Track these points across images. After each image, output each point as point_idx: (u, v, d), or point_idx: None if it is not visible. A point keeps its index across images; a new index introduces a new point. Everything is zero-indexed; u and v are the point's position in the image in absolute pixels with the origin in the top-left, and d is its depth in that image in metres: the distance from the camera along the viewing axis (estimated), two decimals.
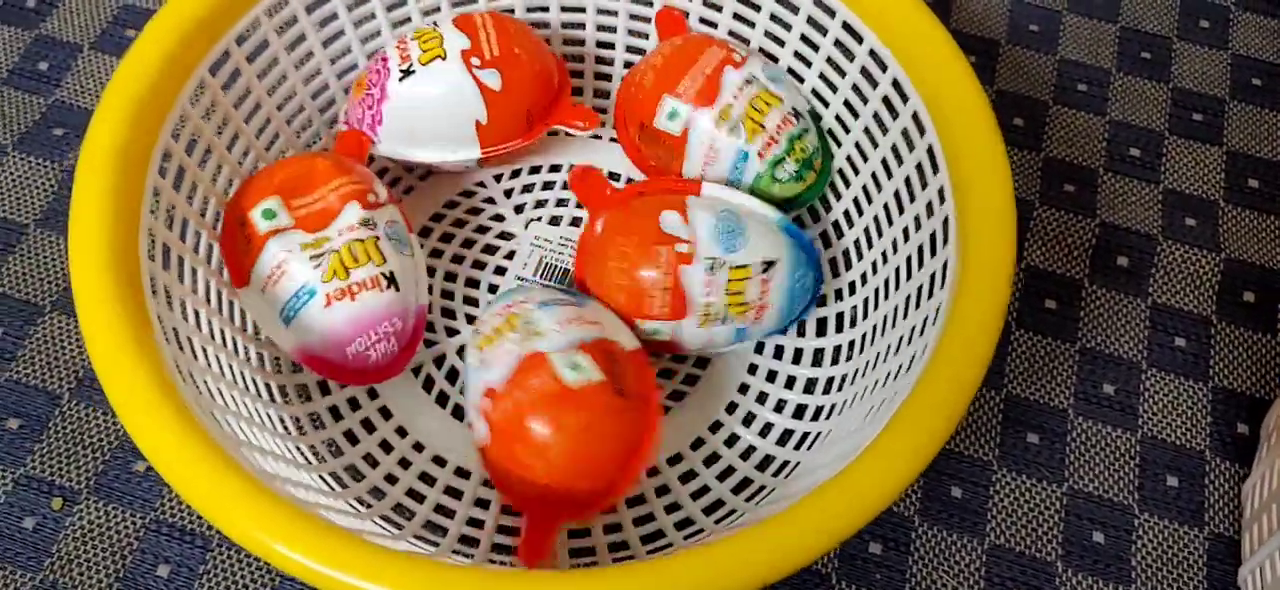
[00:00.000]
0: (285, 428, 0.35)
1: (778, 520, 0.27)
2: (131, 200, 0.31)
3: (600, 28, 0.43)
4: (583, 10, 0.42)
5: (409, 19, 0.41)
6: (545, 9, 0.42)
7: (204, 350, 0.33)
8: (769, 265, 0.34)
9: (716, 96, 0.37)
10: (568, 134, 0.42)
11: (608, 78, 0.44)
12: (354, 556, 0.26)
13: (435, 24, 0.39)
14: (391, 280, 0.34)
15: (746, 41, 0.41)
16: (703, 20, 0.41)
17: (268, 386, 0.35)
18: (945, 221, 0.33)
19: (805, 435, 0.36)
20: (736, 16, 0.40)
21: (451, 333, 0.39)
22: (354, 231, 0.34)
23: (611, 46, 0.43)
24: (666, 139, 0.38)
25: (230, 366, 0.34)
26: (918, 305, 0.33)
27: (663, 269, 0.34)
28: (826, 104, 0.39)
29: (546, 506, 0.32)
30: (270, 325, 0.34)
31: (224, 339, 0.34)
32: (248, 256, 0.34)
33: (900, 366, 0.32)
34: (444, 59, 0.37)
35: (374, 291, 0.33)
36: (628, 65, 0.43)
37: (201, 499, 0.26)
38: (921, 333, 0.32)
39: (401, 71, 0.38)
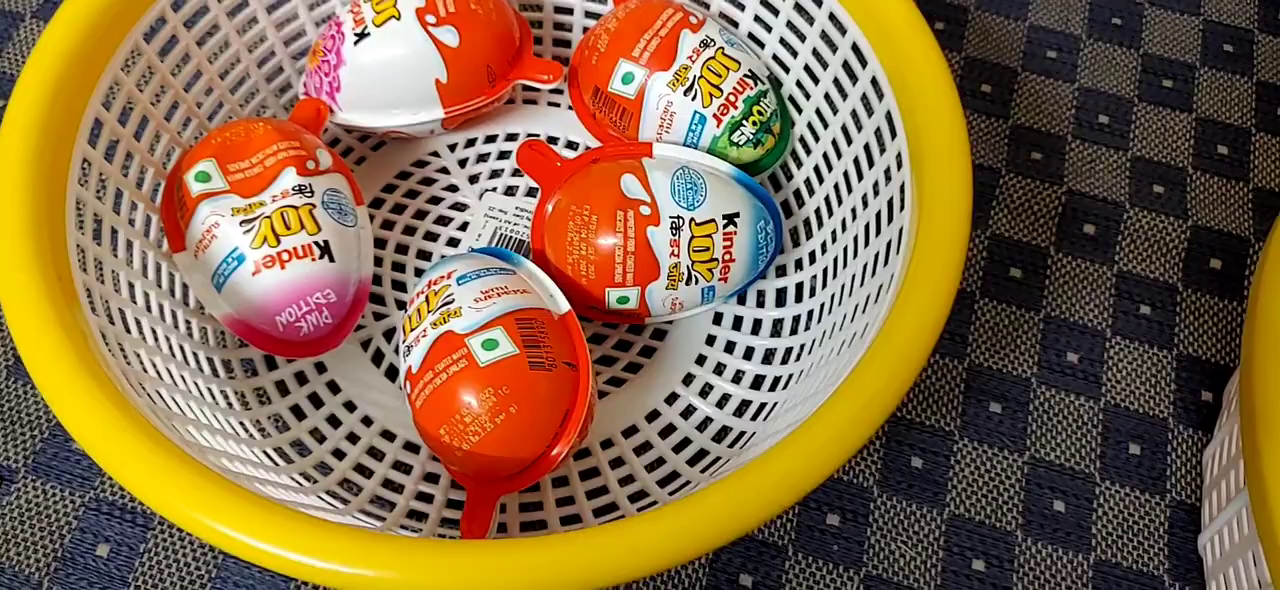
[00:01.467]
0: (228, 402, 0.34)
1: (724, 484, 0.27)
2: (57, 170, 0.30)
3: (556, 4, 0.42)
4: (572, 11, 0.41)
5: None
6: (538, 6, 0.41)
7: (138, 322, 0.32)
8: (730, 218, 0.34)
9: (673, 59, 0.36)
10: (531, 89, 0.41)
11: (567, 43, 0.43)
12: (287, 529, 0.25)
13: None
14: (325, 250, 0.33)
15: (706, 5, 0.40)
16: None
17: (210, 361, 0.35)
18: (902, 187, 0.32)
19: (762, 406, 0.35)
20: None
21: (402, 305, 0.38)
22: (288, 198, 0.33)
23: (570, 11, 0.42)
24: (622, 102, 0.37)
25: (168, 339, 0.33)
26: (873, 273, 0.32)
27: (626, 233, 0.33)
28: (787, 70, 0.39)
29: (481, 482, 0.31)
30: (203, 291, 0.33)
31: (163, 312, 0.33)
32: (182, 220, 0.33)
33: (855, 334, 0.31)
34: (398, 18, 0.36)
35: (305, 261, 0.32)
36: (585, 29, 0.42)
37: (128, 474, 0.26)
38: (876, 301, 0.31)
39: (356, 35, 0.36)
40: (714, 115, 0.36)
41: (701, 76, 0.36)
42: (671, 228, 0.33)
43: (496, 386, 0.30)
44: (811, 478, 0.26)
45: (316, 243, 0.33)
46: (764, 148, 0.37)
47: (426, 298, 0.32)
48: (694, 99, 0.36)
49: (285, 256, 0.32)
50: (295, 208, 0.33)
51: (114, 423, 0.26)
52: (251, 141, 0.34)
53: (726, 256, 0.34)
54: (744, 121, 0.36)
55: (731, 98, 0.36)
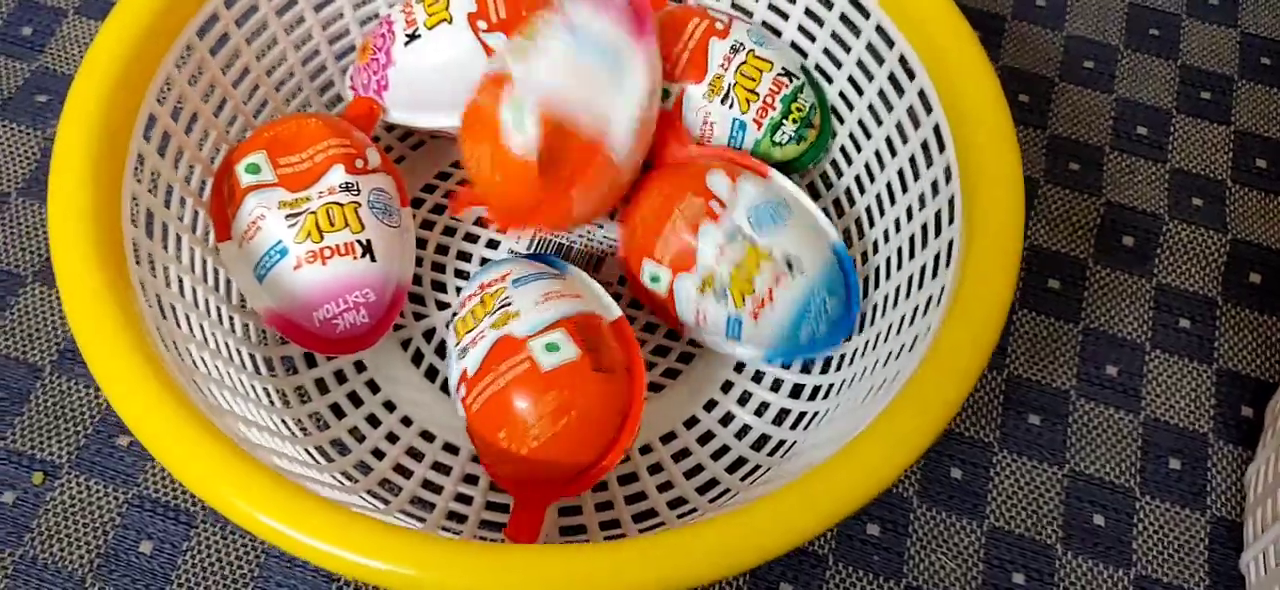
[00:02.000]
0: (270, 400, 0.34)
1: (770, 499, 0.26)
2: (114, 166, 0.30)
3: None
4: None
5: None
6: None
7: (187, 318, 0.32)
8: (791, 262, 0.32)
9: (705, 69, 0.36)
10: None
11: None
12: (340, 527, 0.25)
13: None
14: (367, 249, 0.33)
15: (750, 15, 0.40)
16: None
17: (252, 357, 0.35)
18: (951, 201, 0.32)
19: (802, 415, 0.35)
20: None
21: (442, 306, 0.38)
22: (334, 194, 0.33)
23: None
24: (662, 115, 0.37)
25: (214, 335, 0.33)
26: (921, 285, 0.32)
27: (688, 217, 0.33)
28: (831, 80, 0.38)
29: (533, 488, 0.31)
30: (246, 283, 0.34)
31: (208, 308, 0.34)
32: (230, 210, 0.34)
33: (903, 346, 0.31)
34: (450, 23, 0.36)
35: (347, 259, 0.33)
36: None
37: (184, 468, 0.26)
38: (924, 313, 0.31)
39: (407, 36, 0.36)
40: (754, 120, 0.36)
41: (736, 83, 0.36)
42: (727, 234, 0.32)
43: (560, 390, 0.30)
44: (863, 494, 0.26)
45: (359, 241, 0.33)
46: (807, 142, 0.37)
47: (481, 300, 0.33)
48: (731, 106, 0.36)
49: (327, 253, 0.32)
50: (341, 205, 0.33)
51: (173, 417, 0.26)
52: (302, 136, 0.34)
53: (765, 295, 0.32)
54: (784, 120, 0.36)
55: (768, 100, 0.36)
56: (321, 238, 0.32)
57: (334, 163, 0.34)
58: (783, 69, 0.37)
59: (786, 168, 0.37)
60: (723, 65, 0.36)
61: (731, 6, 0.40)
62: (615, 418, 0.31)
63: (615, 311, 0.33)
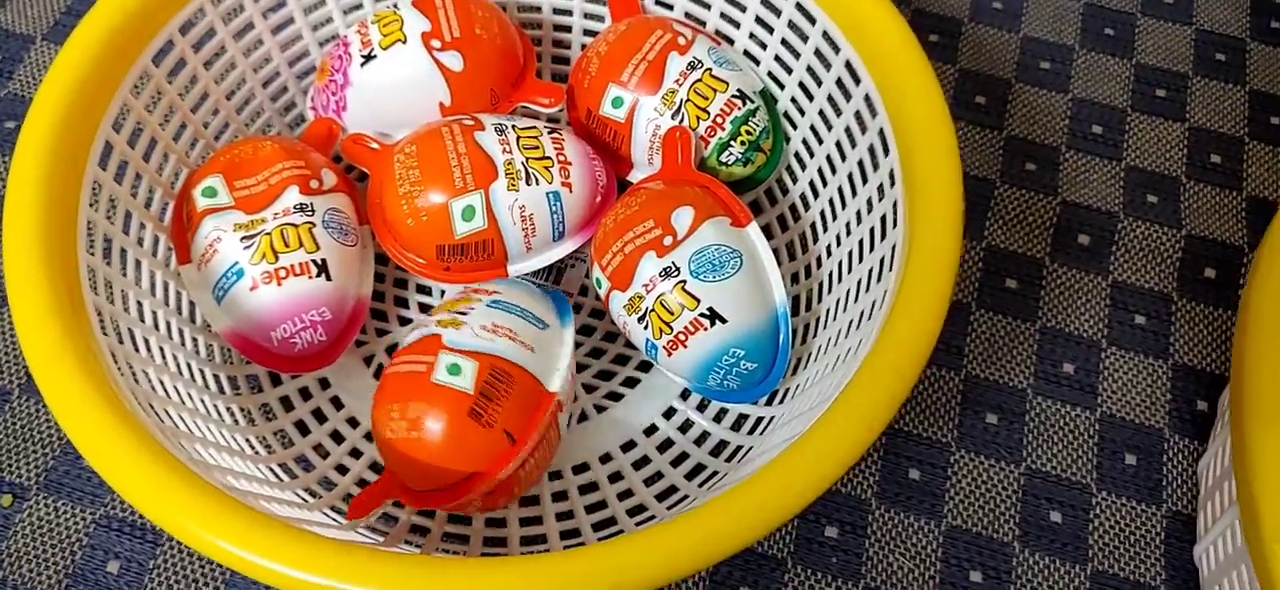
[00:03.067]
0: (234, 419, 0.35)
1: (723, 499, 0.27)
2: (68, 193, 0.31)
3: (556, 10, 0.42)
4: (571, 11, 0.42)
5: (361, 4, 0.40)
6: (537, 8, 0.42)
7: (146, 341, 0.32)
8: (713, 317, 0.32)
9: (660, 82, 0.37)
10: (533, 112, 0.42)
11: (565, 60, 0.44)
12: (291, 547, 0.26)
13: (395, 5, 0.38)
14: (322, 268, 0.33)
15: (703, 23, 0.40)
16: (659, 1, 0.41)
17: (216, 377, 0.35)
18: (895, 205, 0.32)
19: (759, 420, 0.36)
20: None
21: (404, 322, 0.39)
22: (289, 215, 0.34)
23: (568, 30, 0.43)
24: (613, 125, 0.38)
25: (175, 357, 0.34)
26: (867, 289, 0.33)
27: (637, 241, 0.33)
28: (782, 86, 0.39)
29: (387, 476, 0.32)
30: (205, 304, 0.34)
31: (170, 331, 0.34)
32: (189, 233, 0.34)
33: (849, 350, 0.32)
34: (404, 43, 0.37)
35: (302, 278, 0.33)
36: (583, 45, 0.43)
37: (135, 493, 0.26)
38: (869, 317, 0.31)
39: (363, 56, 0.37)
40: (701, 137, 0.37)
41: (688, 99, 0.36)
42: (663, 270, 0.33)
43: (427, 407, 0.30)
44: (808, 493, 0.27)
45: (314, 261, 0.33)
46: (754, 165, 0.38)
47: (463, 294, 0.33)
48: (681, 121, 0.37)
49: (283, 273, 0.33)
50: (295, 225, 0.33)
51: (124, 444, 0.26)
52: (258, 159, 0.35)
53: (680, 337, 0.33)
54: (732, 142, 0.37)
55: (718, 119, 0.36)
56: (277, 258, 0.33)
57: (288, 184, 0.34)
58: (737, 91, 0.37)
59: (733, 187, 0.38)
60: (678, 80, 0.37)
61: (684, 15, 0.40)
62: (462, 467, 0.30)
63: (552, 387, 0.31)
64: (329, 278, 0.34)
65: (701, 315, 0.32)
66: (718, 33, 0.40)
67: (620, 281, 0.34)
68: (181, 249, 0.35)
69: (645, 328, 0.33)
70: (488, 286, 0.34)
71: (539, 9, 0.42)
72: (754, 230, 0.34)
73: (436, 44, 0.37)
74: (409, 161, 0.34)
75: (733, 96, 0.37)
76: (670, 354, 0.33)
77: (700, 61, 0.37)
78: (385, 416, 0.31)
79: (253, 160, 0.35)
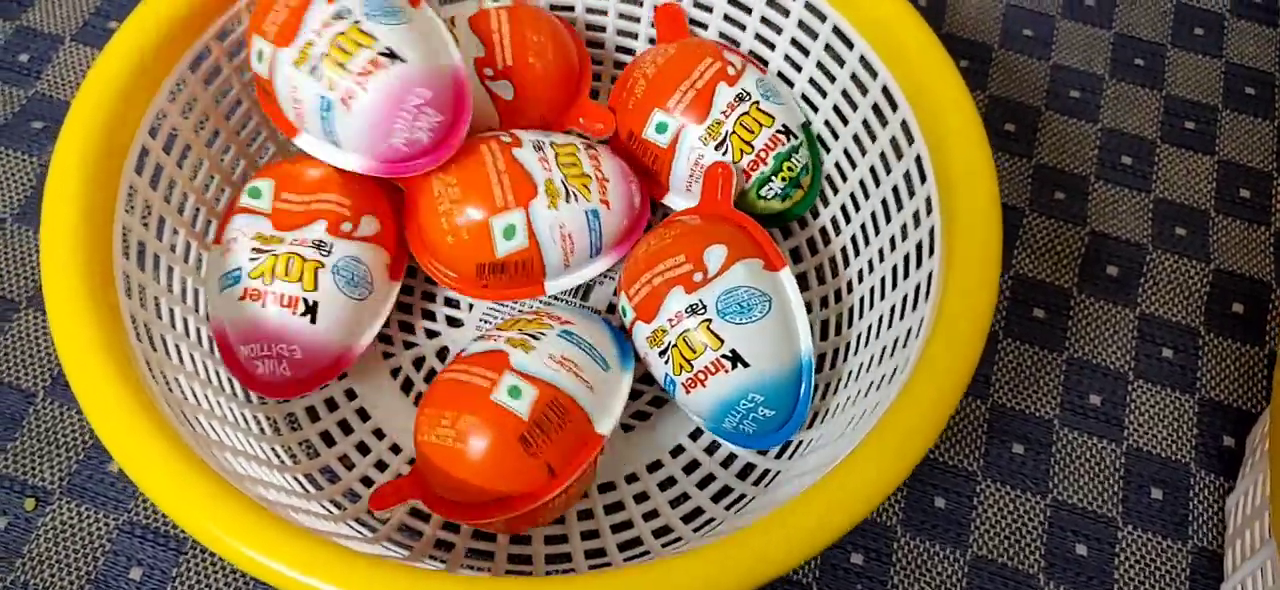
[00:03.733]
0: (261, 428, 0.35)
1: (755, 529, 0.27)
2: (106, 198, 0.31)
3: (620, 30, 0.42)
4: (605, 12, 0.41)
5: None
6: (570, 7, 0.41)
7: (178, 348, 0.32)
8: (735, 360, 0.32)
9: (707, 112, 0.36)
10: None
11: (599, 44, 0.43)
12: (320, 559, 0.26)
13: (453, 22, 0.38)
14: (310, 310, 0.33)
15: (737, 43, 0.40)
16: (692, 21, 0.41)
17: (245, 387, 0.35)
18: (931, 232, 0.32)
19: (787, 444, 0.35)
20: (727, 18, 0.40)
21: (431, 334, 0.38)
22: (303, 247, 0.33)
23: (602, 29, 0.42)
24: (655, 150, 0.37)
25: (205, 365, 0.33)
26: (902, 316, 0.33)
27: (667, 274, 0.33)
28: (816, 109, 0.39)
29: (416, 477, 0.32)
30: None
31: (200, 338, 0.34)
32: (226, 220, 0.35)
33: (883, 377, 0.32)
34: None
35: (286, 311, 0.33)
36: (618, 47, 0.42)
37: (169, 501, 0.26)
38: (904, 345, 0.31)
39: None
40: (744, 170, 0.36)
41: (734, 132, 0.36)
42: (690, 307, 0.32)
43: (479, 423, 0.30)
44: (841, 525, 0.27)
45: (305, 299, 0.33)
46: (792, 200, 0.38)
47: (535, 316, 0.33)
48: (725, 153, 0.36)
49: (270, 297, 0.33)
50: (303, 259, 0.33)
51: (159, 450, 0.26)
52: (309, 181, 0.34)
53: (700, 377, 0.32)
54: (774, 177, 0.36)
55: (762, 154, 0.36)
56: (272, 281, 0.33)
57: (319, 217, 0.34)
58: (783, 126, 0.37)
59: (768, 219, 0.38)
60: (725, 112, 0.36)
61: (718, 35, 0.40)
62: (496, 489, 0.30)
63: (602, 429, 0.31)
64: (314, 321, 0.33)
65: (724, 356, 0.32)
66: (752, 53, 0.40)
67: (646, 313, 0.33)
68: (220, 232, 0.35)
69: (666, 362, 0.33)
70: (563, 314, 0.34)
71: (572, 8, 0.42)
72: (786, 275, 0.34)
73: (489, 72, 0.37)
74: (448, 178, 0.34)
75: (778, 132, 0.36)
76: (688, 392, 0.33)
77: (748, 94, 0.37)
78: (432, 421, 0.31)
79: (305, 181, 0.34)
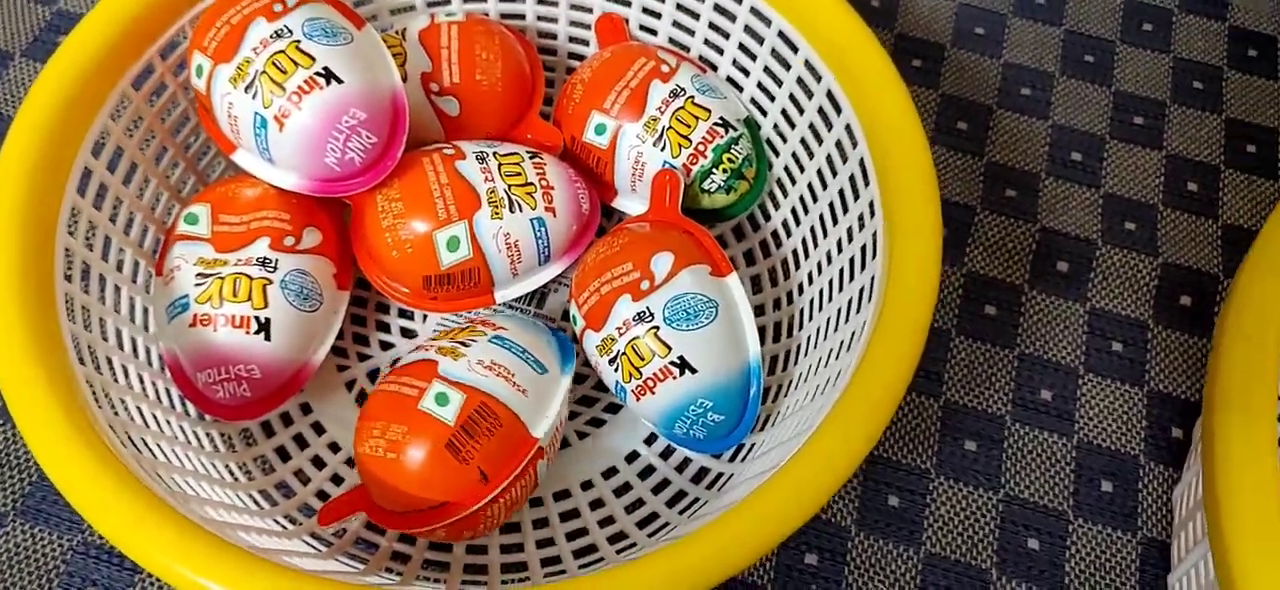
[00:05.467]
0: (215, 444, 0.35)
1: (705, 531, 0.27)
2: (46, 219, 0.31)
3: (541, 34, 0.42)
4: (556, 21, 0.42)
5: (376, 16, 0.40)
6: (520, 17, 0.41)
7: (125, 369, 0.32)
8: (683, 367, 0.32)
9: (643, 109, 0.37)
10: None
11: (550, 67, 0.43)
12: (267, 582, 0.26)
13: (403, 34, 0.38)
14: (263, 327, 0.33)
15: (686, 49, 0.40)
16: (642, 27, 0.41)
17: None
18: (874, 236, 0.33)
19: (739, 446, 0.36)
20: (675, 24, 0.40)
21: (385, 346, 0.38)
22: (248, 266, 0.33)
23: (553, 53, 0.43)
24: (596, 152, 0.38)
25: (154, 385, 0.33)
26: (847, 319, 0.33)
27: (614, 283, 0.33)
28: (765, 113, 0.39)
29: (361, 489, 0.32)
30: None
31: (149, 358, 0.34)
32: (165, 249, 0.35)
33: (829, 380, 0.32)
34: (404, 81, 0.36)
35: (239, 331, 0.33)
36: (569, 60, 0.43)
37: (114, 529, 0.26)
38: (850, 348, 0.32)
39: None
40: (684, 165, 0.37)
41: (670, 126, 0.36)
42: (637, 315, 0.33)
43: (407, 431, 0.30)
44: (790, 522, 0.27)
45: (257, 317, 0.33)
46: (737, 193, 0.38)
47: (466, 325, 0.34)
48: (663, 148, 0.37)
49: (221, 320, 0.33)
50: (250, 277, 0.33)
51: (99, 477, 0.26)
52: (246, 200, 0.34)
53: (649, 383, 0.32)
54: (714, 170, 0.37)
55: (700, 147, 0.36)
56: (221, 304, 0.33)
57: (261, 234, 0.34)
58: (720, 119, 0.37)
59: (717, 215, 0.38)
60: (660, 108, 0.37)
61: (668, 40, 0.41)
62: (432, 496, 0.30)
63: (537, 433, 0.31)
64: (268, 338, 0.33)
65: (672, 363, 0.32)
66: (702, 59, 0.40)
67: (595, 321, 0.34)
68: (161, 262, 0.35)
69: (616, 370, 0.33)
70: (496, 321, 0.34)
71: (523, 17, 0.42)
72: (734, 281, 0.34)
73: (434, 87, 0.37)
74: (392, 193, 0.34)
75: (715, 124, 0.37)
76: (638, 399, 0.33)
77: (683, 89, 0.37)
78: (366, 432, 0.31)
79: (241, 200, 0.34)
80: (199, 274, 0.33)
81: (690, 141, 0.36)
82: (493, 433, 0.30)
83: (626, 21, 0.40)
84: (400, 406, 0.31)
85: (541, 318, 0.39)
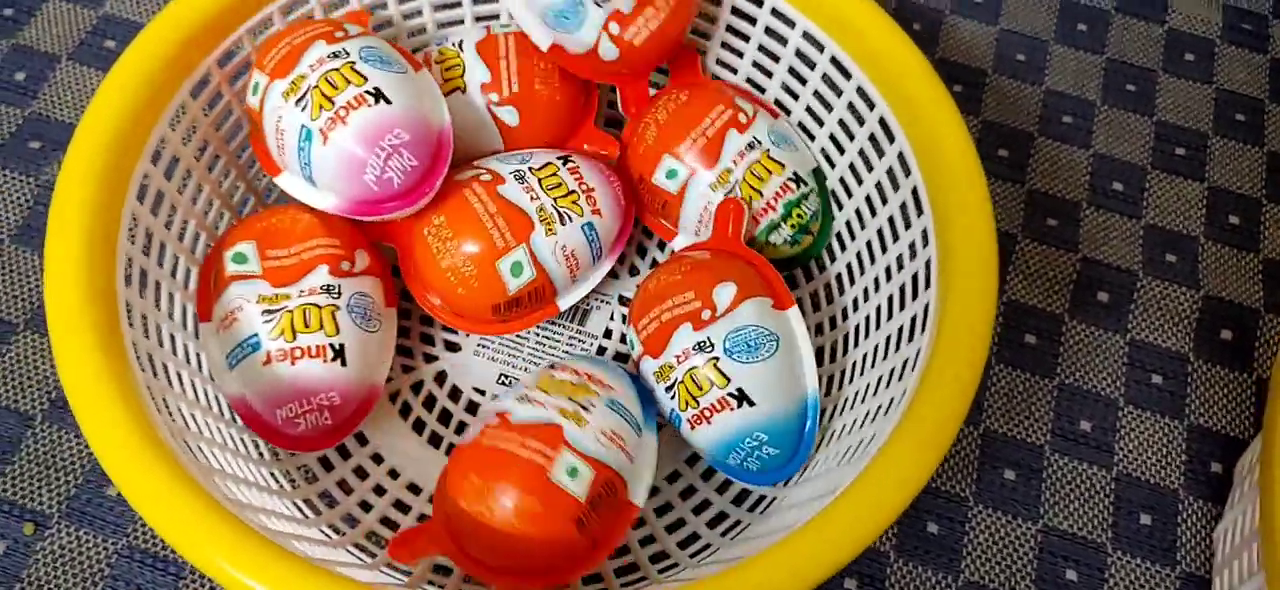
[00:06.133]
0: (261, 453, 0.35)
1: (759, 560, 0.27)
2: (109, 225, 0.31)
3: None
4: None
5: (424, 28, 0.40)
6: None
7: (179, 376, 0.32)
8: (741, 399, 0.32)
9: (717, 160, 0.36)
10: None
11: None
12: (318, 587, 0.26)
13: (459, 45, 0.38)
14: (339, 353, 0.33)
15: (763, 90, 0.40)
16: (720, 62, 0.41)
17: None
18: (927, 264, 0.33)
19: None
20: (755, 65, 0.40)
21: (429, 358, 0.39)
22: (314, 295, 0.33)
23: None
24: (664, 196, 0.38)
25: (205, 391, 0.34)
26: (897, 347, 0.33)
27: (675, 311, 0.33)
28: (812, 137, 0.39)
29: (440, 531, 0.31)
30: (216, 366, 0.34)
31: (200, 365, 0.34)
32: (214, 293, 0.34)
33: (879, 407, 0.32)
34: (464, 91, 0.37)
35: (317, 361, 0.33)
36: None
37: (170, 529, 0.26)
38: (900, 376, 0.32)
39: None
40: (753, 217, 0.36)
41: (743, 180, 0.36)
42: (697, 345, 0.33)
43: (537, 504, 0.29)
44: (841, 557, 0.27)
45: (332, 345, 0.33)
46: (800, 247, 0.38)
47: (578, 381, 0.32)
48: None
49: (298, 353, 0.32)
50: (319, 306, 0.33)
51: (161, 480, 0.27)
52: (293, 231, 0.34)
53: (706, 413, 0.32)
54: (783, 223, 0.37)
55: (772, 201, 0.36)
56: (295, 337, 0.33)
57: (319, 262, 0.34)
58: (793, 174, 0.37)
59: (779, 264, 0.38)
60: (735, 160, 0.36)
61: (746, 81, 0.40)
62: (551, 568, 0.30)
63: (637, 500, 0.31)
64: (344, 363, 0.33)
65: (730, 394, 0.32)
66: (777, 102, 0.40)
67: (654, 348, 0.34)
68: (203, 307, 0.34)
69: (672, 398, 0.33)
70: (601, 376, 0.33)
71: None
72: (795, 314, 0.34)
73: (494, 97, 0.37)
74: (442, 232, 0.34)
75: (788, 180, 0.37)
76: (693, 428, 0.33)
77: (758, 141, 0.37)
78: (480, 492, 0.30)
79: (288, 232, 0.34)
80: (265, 311, 0.33)
81: (762, 195, 0.36)
82: (611, 505, 0.30)
83: (703, 55, 0.40)
84: (531, 475, 0.29)
85: (621, 367, 0.38)
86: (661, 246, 0.41)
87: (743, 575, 0.27)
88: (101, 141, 0.31)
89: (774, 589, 0.27)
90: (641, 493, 0.32)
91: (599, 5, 0.35)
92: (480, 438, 0.31)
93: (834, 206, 0.39)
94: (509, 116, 0.37)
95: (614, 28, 0.36)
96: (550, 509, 0.29)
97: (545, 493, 0.29)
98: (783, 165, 0.37)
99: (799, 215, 0.37)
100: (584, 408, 0.31)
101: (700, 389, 0.32)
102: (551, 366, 0.34)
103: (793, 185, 0.37)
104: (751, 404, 0.32)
